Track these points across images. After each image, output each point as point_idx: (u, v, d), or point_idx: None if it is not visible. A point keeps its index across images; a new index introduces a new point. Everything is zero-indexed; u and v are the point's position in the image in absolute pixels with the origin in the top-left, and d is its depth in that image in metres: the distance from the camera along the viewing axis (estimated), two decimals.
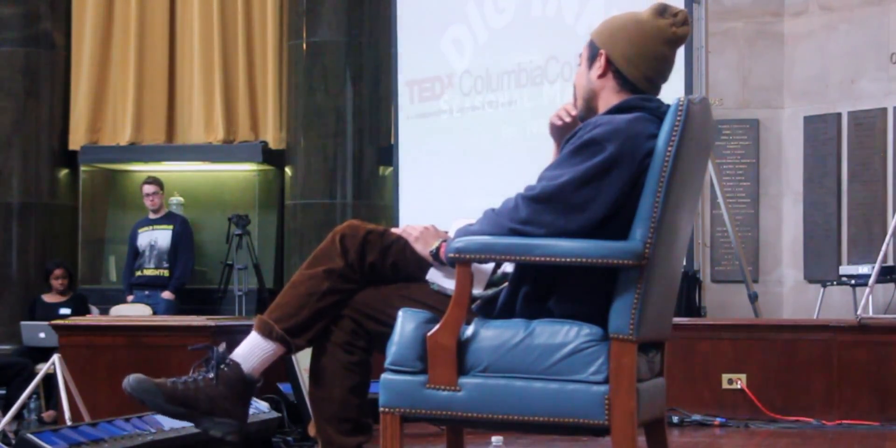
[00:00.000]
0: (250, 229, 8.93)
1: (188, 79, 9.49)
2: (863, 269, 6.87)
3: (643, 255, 2.46)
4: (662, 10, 2.65)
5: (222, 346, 2.76)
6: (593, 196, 2.51)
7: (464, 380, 2.52)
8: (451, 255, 2.53)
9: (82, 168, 9.64)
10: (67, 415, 4.64)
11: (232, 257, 8.73)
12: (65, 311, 8.27)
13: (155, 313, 8.25)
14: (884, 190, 7.69)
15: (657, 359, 2.75)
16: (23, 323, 8.23)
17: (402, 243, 2.77)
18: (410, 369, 2.55)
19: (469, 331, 2.55)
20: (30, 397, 6.67)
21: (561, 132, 2.82)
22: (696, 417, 5.24)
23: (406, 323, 2.58)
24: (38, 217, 9.32)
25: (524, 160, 6.37)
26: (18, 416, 6.31)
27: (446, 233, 2.73)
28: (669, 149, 2.48)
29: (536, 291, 2.57)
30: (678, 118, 2.49)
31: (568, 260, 2.47)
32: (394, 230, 2.81)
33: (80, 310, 8.27)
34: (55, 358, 4.69)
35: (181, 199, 9.43)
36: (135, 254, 8.74)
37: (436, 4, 7.90)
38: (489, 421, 2.54)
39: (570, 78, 6.64)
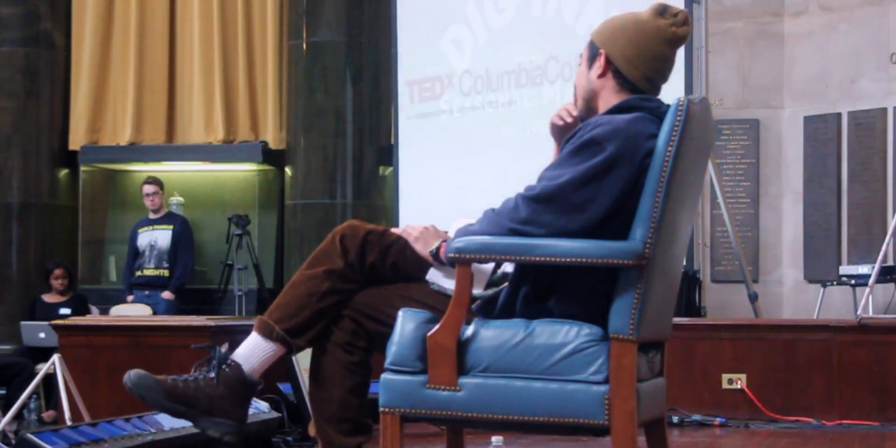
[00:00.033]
0: (250, 229, 8.93)
1: (188, 79, 9.48)
2: (863, 269, 6.87)
3: (643, 255, 2.46)
4: (662, 10, 2.65)
5: (225, 347, 2.76)
6: (593, 196, 2.51)
7: (464, 380, 2.52)
8: (451, 255, 2.53)
9: (82, 168, 9.64)
10: (67, 415, 4.63)
11: (232, 257, 8.73)
12: (65, 311, 8.27)
13: (155, 313, 8.25)
14: (884, 190, 7.69)
15: (657, 359, 2.75)
16: (23, 323, 8.23)
17: (402, 243, 2.77)
18: (410, 369, 2.55)
19: (469, 331, 2.55)
20: (30, 397, 6.66)
21: (562, 132, 2.82)
22: (696, 417, 5.23)
23: (406, 323, 2.58)
24: (38, 217, 9.32)
25: (524, 160, 6.36)
26: (18, 416, 6.31)
27: (446, 233, 2.73)
28: (669, 149, 2.48)
29: (536, 291, 2.57)
30: (678, 118, 2.49)
31: (568, 260, 2.47)
32: (394, 230, 2.81)
33: (80, 310, 8.27)
34: (55, 358, 4.69)
35: (181, 199, 9.42)
36: (135, 254, 8.74)
37: (436, 4, 7.89)
38: (489, 421, 2.54)
39: (570, 78, 6.65)
